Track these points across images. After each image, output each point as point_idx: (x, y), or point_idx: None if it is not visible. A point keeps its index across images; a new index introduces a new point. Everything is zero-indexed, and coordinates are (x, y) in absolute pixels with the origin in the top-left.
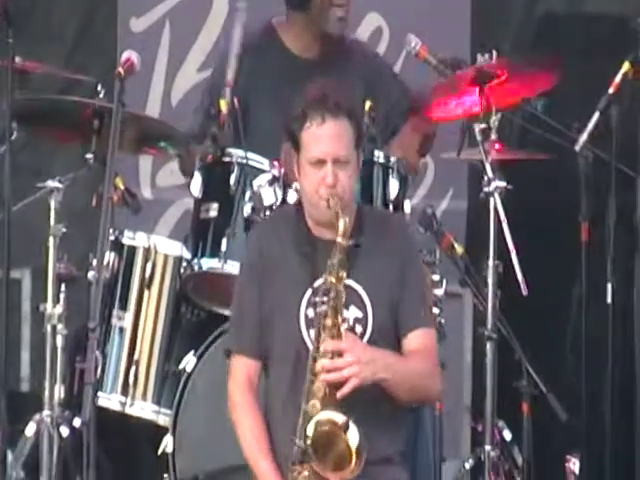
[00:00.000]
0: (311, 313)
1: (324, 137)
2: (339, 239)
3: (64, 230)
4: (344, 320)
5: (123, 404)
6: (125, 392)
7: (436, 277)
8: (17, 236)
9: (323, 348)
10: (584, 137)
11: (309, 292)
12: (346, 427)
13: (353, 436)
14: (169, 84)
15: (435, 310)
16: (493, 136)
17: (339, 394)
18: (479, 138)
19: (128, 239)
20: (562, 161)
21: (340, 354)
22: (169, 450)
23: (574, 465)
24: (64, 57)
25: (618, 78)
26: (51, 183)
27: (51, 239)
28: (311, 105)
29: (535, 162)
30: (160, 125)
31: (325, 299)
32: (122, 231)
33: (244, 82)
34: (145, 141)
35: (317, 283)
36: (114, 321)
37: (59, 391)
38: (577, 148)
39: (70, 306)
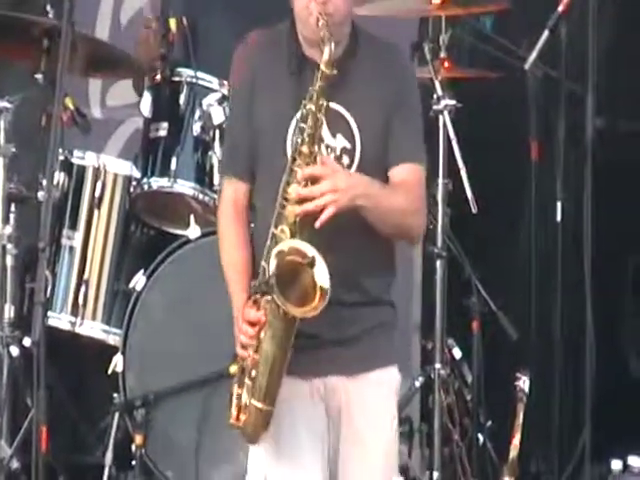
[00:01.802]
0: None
1: None
2: (322, 66)
3: (13, 150)
4: (330, 149)
5: (73, 324)
6: (75, 312)
7: None
8: None
9: (299, 174)
10: (533, 55)
11: (297, 116)
12: (312, 262)
13: (320, 272)
14: (118, 3)
15: None
16: (442, 54)
17: (318, 223)
18: (428, 56)
19: (78, 159)
20: (512, 79)
21: (315, 181)
22: (119, 369)
23: (524, 383)
24: None
25: None
26: (0, 103)
27: (0, 159)
28: None
29: (485, 81)
30: (110, 49)
31: (303, 126)
32: (72, 151)
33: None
34: (95, 64)
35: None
36: (64, 241)
37: (9, 311)
38: (526, 66)
39: (20, 226)
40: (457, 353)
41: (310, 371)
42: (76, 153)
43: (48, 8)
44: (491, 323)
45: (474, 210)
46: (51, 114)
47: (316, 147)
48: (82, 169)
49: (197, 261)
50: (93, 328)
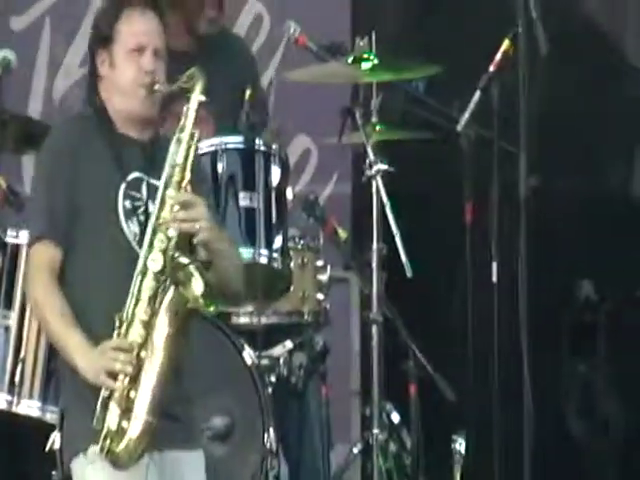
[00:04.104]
0: (128, 204)
1: (146, 26)
2: (196, 98)
3: None
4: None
5: (10, 403)
6: (11, 391)
7: (320, 262)
8: None
9: (174, 199)
10: (466, 116)
11: (123, 185)
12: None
13: (197, 284)
14: (51, 81)
15: (320, 296)
16: (374, 119)
17: (198, 239)
18: (360, 121)
19: (11, 237)
20: (445, 141)
21: (187, 207)
22: (57, 447)
23: (460, 445)
24: None
25: (498, 56)
26: None
27: None
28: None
29: (418, 143)
30: (42, 125)
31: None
32: (5, 229)
33: None
34: (27, 141)
35: (130, 177)
36: None
37: None
38: (459, 128)
39: None
40: (395, 417)
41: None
42: (9, 232)
43: None
44: (429, 386)
45: (409, 274)
46: None
47: (187, 174)
48: (16, 247)
49: None
50: (30, 407)
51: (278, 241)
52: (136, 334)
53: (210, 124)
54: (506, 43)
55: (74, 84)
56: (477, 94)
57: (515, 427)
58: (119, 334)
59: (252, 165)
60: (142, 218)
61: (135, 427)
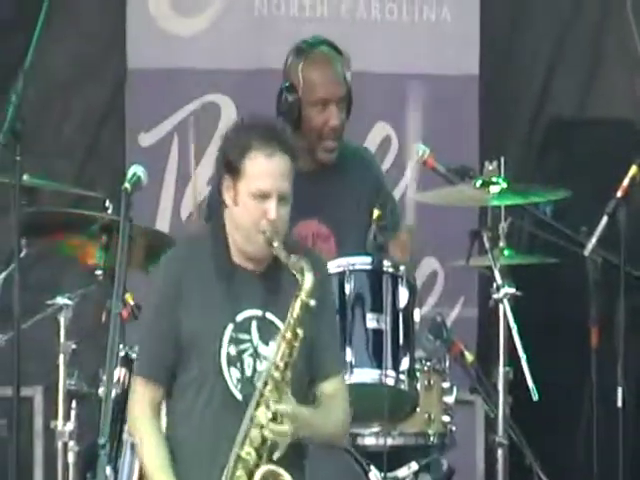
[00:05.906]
0: (233, 351)
1: (272, 171)
2: (303, 296)
3: (74, 347)
4: (263, 357)
5: None
6: None
7: (446, 385)
8: (28, 353)
9: (274, 408)
10: (593, 242)
11: (230, 327)
12: None
13: None
14: (179, 197)
15: (446, 418)
16: (502, 242)
17: (276, 455)
18: (487, 245)
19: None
20: (571, 265)
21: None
22: None
23: None
24: (73, 173)
25: (626, 182)
26: (60, 300)
27: (61, 356)
28: (258, 135)
29: (545, 266)
30: (169, 239)
31: (277, 354)
32: (132, 346)
33: None
34: (155, 256)
35: (239, 317)
36: (125, 436)
37: None
38: (586, 253)
39: (82, 422)
40: None
41: None
42: (137, 349)
43: (107, 204)
44: None
45: (535, 398)
46: (110, 310)
47: (289, 374)
48: None
49: None
50: None
51: (405, 363)
52: None
53: (331, 242)
54: (634, 169)
55: (202, 202)
56: (604, 219)
57: None
58: None
59: (380, 286)
60: (249, 360)
61: None
